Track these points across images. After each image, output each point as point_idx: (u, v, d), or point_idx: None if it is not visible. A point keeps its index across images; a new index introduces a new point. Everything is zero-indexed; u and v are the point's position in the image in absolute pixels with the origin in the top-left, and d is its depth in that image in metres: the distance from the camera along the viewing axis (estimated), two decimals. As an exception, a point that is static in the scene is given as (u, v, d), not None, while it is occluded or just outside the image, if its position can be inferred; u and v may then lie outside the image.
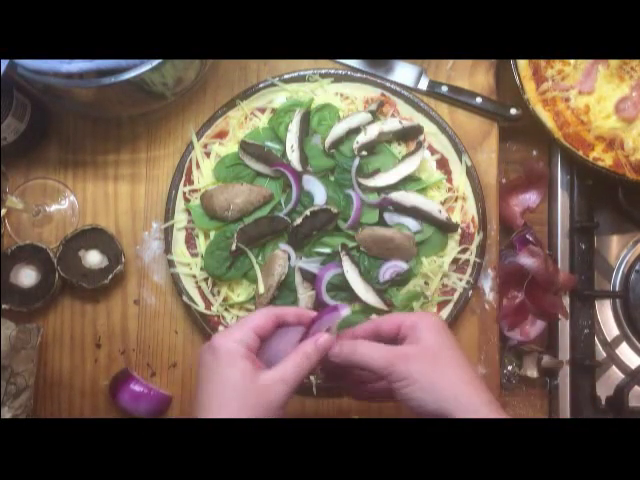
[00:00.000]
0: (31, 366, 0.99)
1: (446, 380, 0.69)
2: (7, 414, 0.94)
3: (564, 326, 1.09)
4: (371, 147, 1.02)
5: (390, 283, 0.99)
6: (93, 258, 1.03)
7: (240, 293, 1.01)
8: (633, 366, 1.13)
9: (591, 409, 1.07)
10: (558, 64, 1.05)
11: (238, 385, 0.67)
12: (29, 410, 0.98)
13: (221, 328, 1.02)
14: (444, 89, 1.07)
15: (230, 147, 1.04)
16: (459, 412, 0.67)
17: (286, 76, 1.05)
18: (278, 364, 0.70)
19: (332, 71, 1.06)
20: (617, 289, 1.16)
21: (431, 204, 1.00)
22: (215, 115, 1.05)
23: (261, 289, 0.98)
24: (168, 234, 1.03)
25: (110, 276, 1.01)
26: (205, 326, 1.01)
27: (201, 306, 1.02)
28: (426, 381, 0.68)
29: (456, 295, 1.03)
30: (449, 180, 1.05)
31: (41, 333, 1.01)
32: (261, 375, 0.68)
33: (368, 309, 0.98)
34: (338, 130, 1.01)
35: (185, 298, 1.02)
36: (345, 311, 0.73)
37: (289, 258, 0.99)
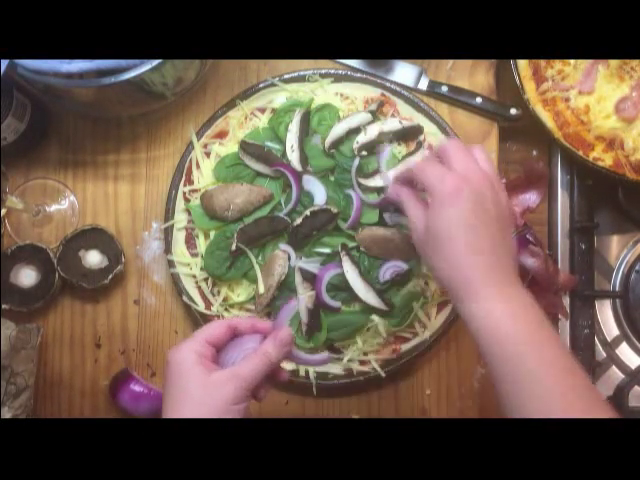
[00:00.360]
0: (31, 366, 0.99)
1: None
2: (7, 414, 0.94)
3: (564, 326, 1.09)
4: (371, 147, 1.02)
5: (390, 283, 0.99)
6: (93, 258, 1.03)
7: (240, 293, 1.01)
8: (633, 366, 1.13)
9: (591, 409, 1.07)
10: (558, 64, 1.05)
11: (192, 390, 0.68)
12: (29, 410, 0.98)
13: (221, 328, 1.02)
14: (444, 89, 1.07)
15: (230, 147, 1.04)
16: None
17: (286, 76, 1.05)
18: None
19: (332, 71, 1.06)
20: (617, 289, 1.16)
21: (431, 204, 1.00)
22: (215, 115, 1.05)
23: (261, 289, 0.98)
24: (168, 234, 1.03)
25: (110, 276, 1.01)
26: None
27: (201, 306, 1.02)
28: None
29: (456, 295, 1.03)
30: (449, 180, 1.04)
31: (41, 333, 1.01)
32: (214, 374, 0.69)
33: (368, 309, 0.98)
34: (338, 130, 1.01)
35: (185, 298, 1.02)
36: (297, 302, 0.75)
37: (289, 258, 0.99)
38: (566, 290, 1.09)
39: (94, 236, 1.03)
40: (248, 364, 0.70)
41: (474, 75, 1.10)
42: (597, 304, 1.14)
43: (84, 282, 1.01)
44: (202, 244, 1.02)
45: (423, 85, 1.08)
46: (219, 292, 1.02)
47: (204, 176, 1.04)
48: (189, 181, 1.04)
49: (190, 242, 1.04)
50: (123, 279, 1.05)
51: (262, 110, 1.06)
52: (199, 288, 1.03)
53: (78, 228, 1.03)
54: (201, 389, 0.68)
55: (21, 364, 0.97)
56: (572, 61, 1.05)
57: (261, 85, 1.05)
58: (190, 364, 0.69)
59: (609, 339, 1.15)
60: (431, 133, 1.05)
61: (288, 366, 1.01)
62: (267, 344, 0.73)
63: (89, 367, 1.05)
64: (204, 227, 1.02)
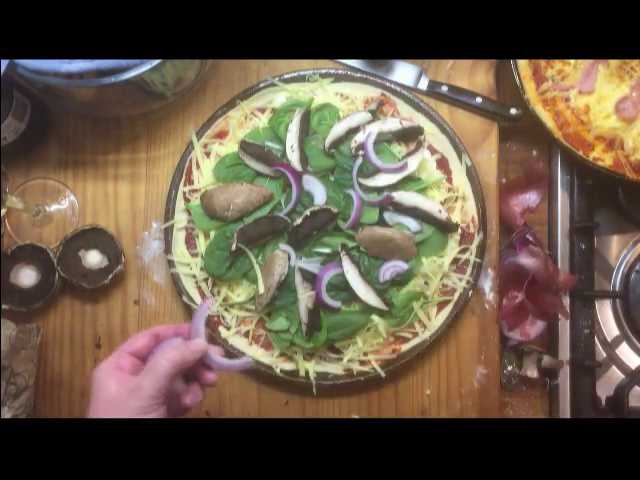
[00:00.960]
0: (31, 366, 0.99)
1: None
2: (7, 414, 0.94)
3: (564, 326, 1.09)
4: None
5: (390, 283, 0.99)
6: (93, 258, 1.03)
7: (240, 293, 1.01)
8: (633, 366, 1.13)
9: (591, 409, 1.07)
10: (558, 64, 1.05)
11: (100, 406, 0.70)
12: (29, 410, 0.98)
13: (221, 328, 1.02)
14: (444, 89, 1.07)
15: (230, 147, 1.04)
16: None
17: (286, 76, 1.05)
18: None
19: (332, 71, 1.06)
20: (617, 289, 1.16)
21: (431, 204, 1.00)
22: (215, 115, 1.05)
23: (261, 289, 0.98)
24: (168, 234, 1.03)
25: (110, 276, 1.01)
26: (205, 326, 1.01)
27: (201, 306, 1.02)
28: None
29: (456, 295, 1.03)
30: (449, 180, 1.05)
31: (41, 333, 1.01)
32: (117, 389, 0.69)
33: (368, 309, 0.98)
34: (338, 130, 1.01)
35: (185, 298, 1.02)
36: (209, 302, 0.79)
37: (289, 258, 0.99)
38: (566, 290, 1.09)
39: (94, 236, 1.03)
40: (150, 376, 0.70)
41: (474, 75, 1.10)
42: (597, 304, 1.14)
43: (84, 282, 1.01)
44: (202, 244, 1.02)
45: (423, 85, 1.08)
46: (219, 292, 1.02)
47: (204, 176, 1.04)
48: (189, 181, 1.04)
49: (190, 242, 1.04)
50: (123, 279, 1.05)
51: (262, 110, 1.06)
52: (199, 288, 1.03)
53: (78, 228, 1.03)
54: (107, 405, 0.69)
55: (21, 364, 0.97)
56: (572, 61, 1.05)
57: (261, 85, 1.05)
58: (109, 377, 0.70)
59: (609, 339, 1.15)
60: (431, 133, 1.05)
61: (287, 366, 1.01)
62: (170, 352, 0.72)
63: (89, 367, 1.05)
64: (204, 227, 1.02)
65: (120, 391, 0.69)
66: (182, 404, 0.75)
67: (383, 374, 1.00)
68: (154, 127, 1.08)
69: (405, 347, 1.02)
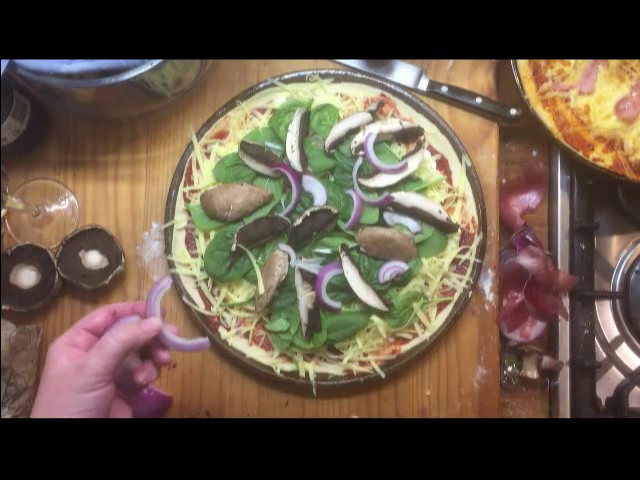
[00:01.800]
0: (31, 367, 0.99)
1: None
2: (7, 415, 0.94)
3: (564, 327, 1.09)
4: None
5: (390, 284, 0.99)
6: (93, 259, 1.03)
7: (240, 294, 1.01)
8: (633, 367, 1.13)
9: (591, 410, 1.07)
10: (558, 64, 1.05)
11: (50, 381, 0.70)
12: (29, 411, 0.98)
13: (221, 329, 1.02)
14: (444, 89, 1.07)
15: (230, 147, 1.04)
16: None
17: (286, 76, 1.05)
18: None
19: (332, 71, 1.06)
20: (617, 289, 1.16)
21: (431, 204, 1.00)
22: (215, 115, 1.05)
23: (261, 290, 0.98)
24: (168, 235, 1.03)
25: (110, 277, 1.01)
26: (205, 327, 1.01)
27: (201, 307, 1.02)
28: None
29: (456, 296, 1.03)
30: (449, 180, 1.05)
31: (41, 334, 1.01)
32: (65, 365, 0.70)
33: (368, 310, 0.98)
34: (338, 130, 1.01)
35: (185, 299, 1.02)
36: (165, 282, 0.77)
37: (289, 259, 0.98)
38: (566, 291, 1.09)
39: (94, 236, 1.03)
40: (97, 354, 0.70)
41: (474, 75, 1.10)
42: (597, 304, 1.14)
43: (84, 283, 1.01)
44: (202, 244, 1.02)
45: (423, 85, 1.08)
46: (219, 293, 1.02)
47: (204, 176, 1.04)
48: (189, 181, 1.04)
49: (190, 243, 1.04)
50: (123, 279, 1.05)
51: (262, 110, 1.06)
52: (199, 289, 1.03)
53: (78, 229, 1.03)
54: (55, 379, 0.70)
55: (21, 365, 0.97)
56: (572, 61, 1.05)
57: (261, 85, 1.05)
58: (55, 355, 0.71)
59: (609, 340, 1.15)
60: (431, 133, 1.05)
61: (287, 366, 1.01)
62: (120, 332, 0.72)
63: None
64: (204, 227, 1.02)
65: (68, 366, 0.70)
66: (135, 381, 0.75)
67: (383, 375, 1.00)
68: (154, 127, 1.08)
69: (405, 348, 1.02)
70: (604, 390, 1.11)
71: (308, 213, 0.97)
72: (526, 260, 1.05)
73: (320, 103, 1.04)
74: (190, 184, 1.04)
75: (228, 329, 1.02)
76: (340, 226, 0.99)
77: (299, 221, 0.97)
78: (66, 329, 1.03)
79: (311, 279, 0.98)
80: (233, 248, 0.97)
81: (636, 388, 1.09)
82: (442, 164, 1.05)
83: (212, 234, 1.02)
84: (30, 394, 0.98)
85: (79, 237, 1.02)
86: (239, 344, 1.02)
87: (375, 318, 0.99)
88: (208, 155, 1.05)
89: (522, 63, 1.05)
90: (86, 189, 1.07)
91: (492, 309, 1.06)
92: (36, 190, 1.07)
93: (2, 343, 0.94)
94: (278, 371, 1.01)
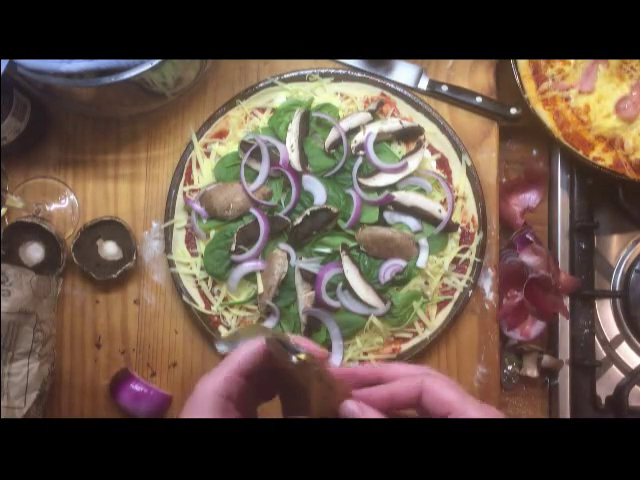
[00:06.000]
0: (53, 315, 0.98)
1: None
2: (35, 362, 0.93)
3: (564, 326, 1.09)
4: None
5: (390, 283, 0.99)
6: (110, 249, 1.03)
7: (240, 293, 1.01)
8: (633, 366, 1.13)
9: (591, 409, 1.07)
10: (558, 63, 1.05)
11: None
12: (53, 360, 0.99)
13: (221, 328, 1.02)
14: (444, 89, 1.07)
15: (230, 147, 1.04)
16: None
17: (286, 76, 1.05)
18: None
19: (332, 71, 1.06)
20: (617, 289, 1.16)
21: (431, 204, 1.00)
22: (215, 115, 1.05)
23: (260, 289, 0.98)
24: (168, 234, 1.03)
25: (119, 271, 1.01)
26: (205, 326, 1.01)
27: (201, 306, 1.02)
28: None
29: (456, 295, 1.03)
30: (449, 180, 1.05)
31: (60, 284, 1.02)
32: (236, 415, 0.63)
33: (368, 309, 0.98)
34: (338, 130, 1.01)
35: (185, 298, 1.02)
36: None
37: (289, 258, 0.99)
38: (568, 292, 1.09)
39: (113, 228, 1.03)
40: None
41: (474, 75, 1.09)
42: (597, 304, 1.14)
43: (94, 272, 1.01)
44: (202, 243, 1.02)
45: (423, 85, 1.08)
46: (219, 292, 1.02)
47: (204, 176, 1.04)
48: (189, 181, 1.04)
49: (190, 242, 1.04)
50: (123, 279, 1.05)
51: (262, 110, 1.06)
52: (199, 288, 1.03)
53: (97, 218, 1.03)
54: None
55: (45, 312, 0.96)
56: (572, 61, 1.05)
57: (261, 85, 1.05)
58: (207, 409, 0.62)
59: (609, 339, 1.15)
60: (431, 133, 1.05)
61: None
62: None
63: (89, 367, 1.05)
64: (204, 227, 1.02)
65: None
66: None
67: (383, 374, 1.00)
68: (154, 127, 1.08)
69: (405, 347, 1.02)
70: (604, 389, 1.11)
71: (308, 212, 0.97)
72: (529, 258, 1.05)
73: (320, 102, 1.04)
74: (190, 183, 1.04)
75: (228, 328, 1.02)
76: (340, 225, 0.99)
77: (299, 220, 0.97)
78: (66, 328, 1.04)
79: (311, 278, 0.98)
80: (233, 248, 0.97)
81: (636, 387, 1.09)
82: (442, 163, 1.05)
83: (212, 233, 1.02)
84: (54, 342, 0.98)
85: (97, 227, 1.03)
86: (239, 343, 1.02)
87: (374, 318, 0.99)
88: (208, 154, 1.04)
89: (522, 62, 1.05)
90: (86, 188, 1.07)
91: (492, 308, 1.06)
92: (36, 189, 1.07)
93: (23, 288, 0.92)
94: (278, 370, 1.01)
